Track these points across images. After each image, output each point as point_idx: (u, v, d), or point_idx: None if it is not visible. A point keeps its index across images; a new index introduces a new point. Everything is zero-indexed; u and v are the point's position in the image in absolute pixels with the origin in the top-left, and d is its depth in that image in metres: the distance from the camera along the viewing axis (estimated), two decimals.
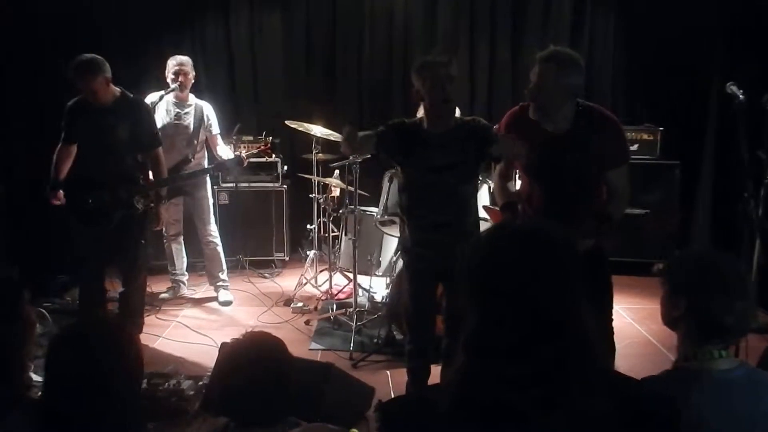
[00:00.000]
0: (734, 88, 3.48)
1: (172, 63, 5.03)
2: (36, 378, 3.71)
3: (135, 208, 4.19)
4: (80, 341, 1.67)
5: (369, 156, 4.46)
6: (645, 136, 5.93)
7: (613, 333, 3.17)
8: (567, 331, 1.22)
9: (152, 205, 4.34)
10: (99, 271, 4.38)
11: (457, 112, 3.62)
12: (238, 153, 5.05)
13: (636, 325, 4.80)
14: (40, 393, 1.72)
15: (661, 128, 5.93)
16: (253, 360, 1.92)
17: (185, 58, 5.09)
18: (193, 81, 5.16)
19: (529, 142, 3.02)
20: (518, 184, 3.63)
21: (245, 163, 4.93)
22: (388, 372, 4.09)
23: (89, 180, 4.19)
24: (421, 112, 3.34)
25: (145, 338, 4.40)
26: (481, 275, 1.28)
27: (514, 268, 1.24)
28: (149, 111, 4.30)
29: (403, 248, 3.49)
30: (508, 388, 1.19)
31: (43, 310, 4.52)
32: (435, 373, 3.45)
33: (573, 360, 1.21)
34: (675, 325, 1.82)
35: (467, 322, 1.28)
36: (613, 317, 3.20)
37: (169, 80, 5.01)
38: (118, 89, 4.14)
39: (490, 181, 4.51)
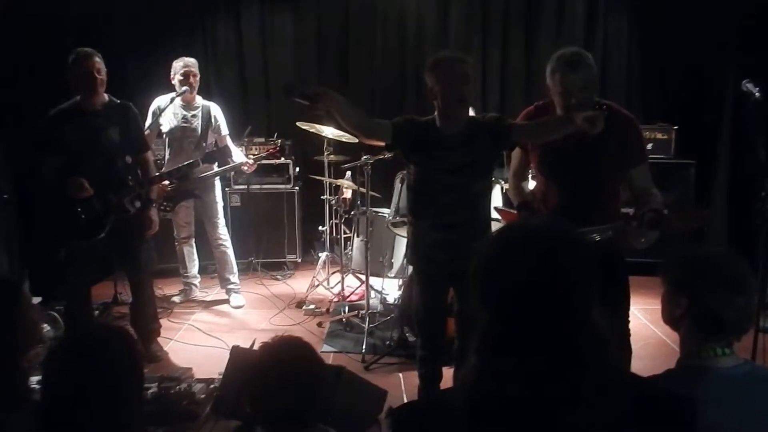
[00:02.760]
0: (750, 86, 3.40)
1: (180, 65, 4.99)
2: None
3: (127, 211, 4.07)
4: (78, 350, 1.63)
5: (384, 152, 4.43)
6: (659, 135, 5.88)
7: (629, 334, 3.12)
8: (580, 331, 1.19)
9: (144, 206, 4.18)
10: (85, 288, 4.28)
11: (471, 112, 3.55)
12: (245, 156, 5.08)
13: (651, 326, 4.75)
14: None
15: (675, 127, 5.87)
16: (288, 363, 1.88)
17: (192, 60, 5.05)
18: (198, 82, 5.12)
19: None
20: (532, 184, 3.59)
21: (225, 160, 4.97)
22: (400, 374, 4.06)
23: None
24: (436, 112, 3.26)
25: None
26: (492, 275, 1.25)
27: (525, 267, 1.21)
28: (137, 115, 4.21)
29: (412, 252, 3.37)
30: (522, 388, 1.17)
31: (56, 314, 4.52)
32: (447, 377, 3.42)
33: (586, 360, 1.19)
34: (677, 324, 1.81)
35: (478, 322, 1.25)
36: (630, 318, 3.15)
37: (176, 82, 4.98)
38: (106, 95, 4.08)
39: (502, 182, 4.47)
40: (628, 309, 3.12)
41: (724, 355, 1.71)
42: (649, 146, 5.74)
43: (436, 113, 3.15)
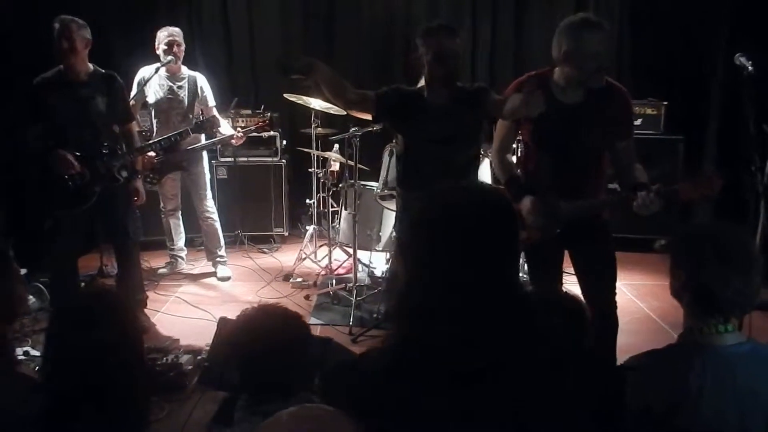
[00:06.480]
0: (743, 59, 3.38)
1: (164, 34, 4.91)
2: (33, 352, 3.69)
3: (116, 179, 4.05)
4: (82, 315, 1.61)
5: (372, 124, 4.38)
6: (649, 111, 5.88)
7: (615, 307, 3.12)
8: (504, 294, 1.19)
9: (131, 176, 4.15)
10: (72, 259, 4.23)
11: None
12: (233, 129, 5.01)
13: (638, 301, 4.77)
14: (37, 368, 1.68)
15: (665, 102, 5.86)
16: (275, 331, 1.86)
17: (176, 29, 4.97)
18: (184, 52, 5.04)
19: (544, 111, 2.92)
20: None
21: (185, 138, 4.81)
22: None
23: None
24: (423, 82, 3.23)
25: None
26: (414, 237, 1.27)
27: (445, 230, 1.22)
28: (122, 85, 4.17)
29: (401, 224, 3.39)
30: (445, 351, 1.17)
31: (41, 286, 4.49)
32: None
33: (510, 323, 1.18)
34: (679, 298, 1.79)
35: (400, 283, 1.26)
36: (616, 292, 3.14)
37: (160, 52, 4.90)
38: (91, 65, 4.03)
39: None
40: (614, 281, 3.10)
41: (726, 332, 1.68)
42: (639, 122, 5.73)
43: (423, 83, 3.12)
